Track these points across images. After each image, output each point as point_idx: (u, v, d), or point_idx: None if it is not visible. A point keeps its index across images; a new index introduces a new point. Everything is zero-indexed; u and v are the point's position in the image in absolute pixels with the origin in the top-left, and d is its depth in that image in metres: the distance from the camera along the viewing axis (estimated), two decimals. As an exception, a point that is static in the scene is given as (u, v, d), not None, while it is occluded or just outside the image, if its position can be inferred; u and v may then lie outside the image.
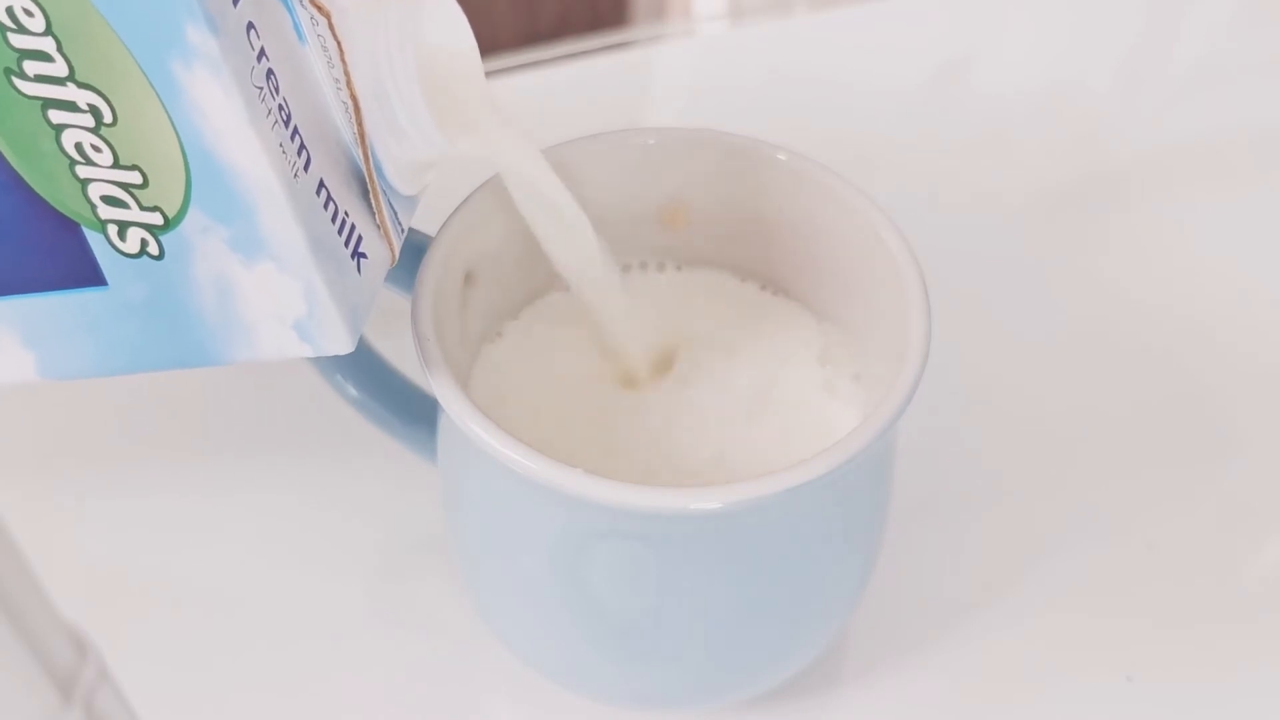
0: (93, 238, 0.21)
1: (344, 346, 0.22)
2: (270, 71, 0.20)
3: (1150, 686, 0.30)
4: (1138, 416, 0.35)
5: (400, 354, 0.29)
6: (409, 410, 0.29)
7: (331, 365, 0.29)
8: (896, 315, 0.25)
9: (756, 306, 0.29)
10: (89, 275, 0.21)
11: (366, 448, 0.31)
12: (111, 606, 0.31)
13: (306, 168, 0.21)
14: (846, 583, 0.27)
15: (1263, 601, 0.31)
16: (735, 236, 0.29)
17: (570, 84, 0.46)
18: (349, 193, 0.22)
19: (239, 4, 0.19)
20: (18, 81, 0.19)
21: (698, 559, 0.24)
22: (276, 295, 0.21)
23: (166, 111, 0.19)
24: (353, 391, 0.29)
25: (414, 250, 0.25)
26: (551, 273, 0.27)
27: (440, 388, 0.23)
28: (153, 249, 0.21)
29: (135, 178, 0.20)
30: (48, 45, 0.18)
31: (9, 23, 0.18)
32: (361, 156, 0.22)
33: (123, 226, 0.20)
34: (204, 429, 0.35)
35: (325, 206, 0.21)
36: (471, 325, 0.27)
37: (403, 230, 0.24)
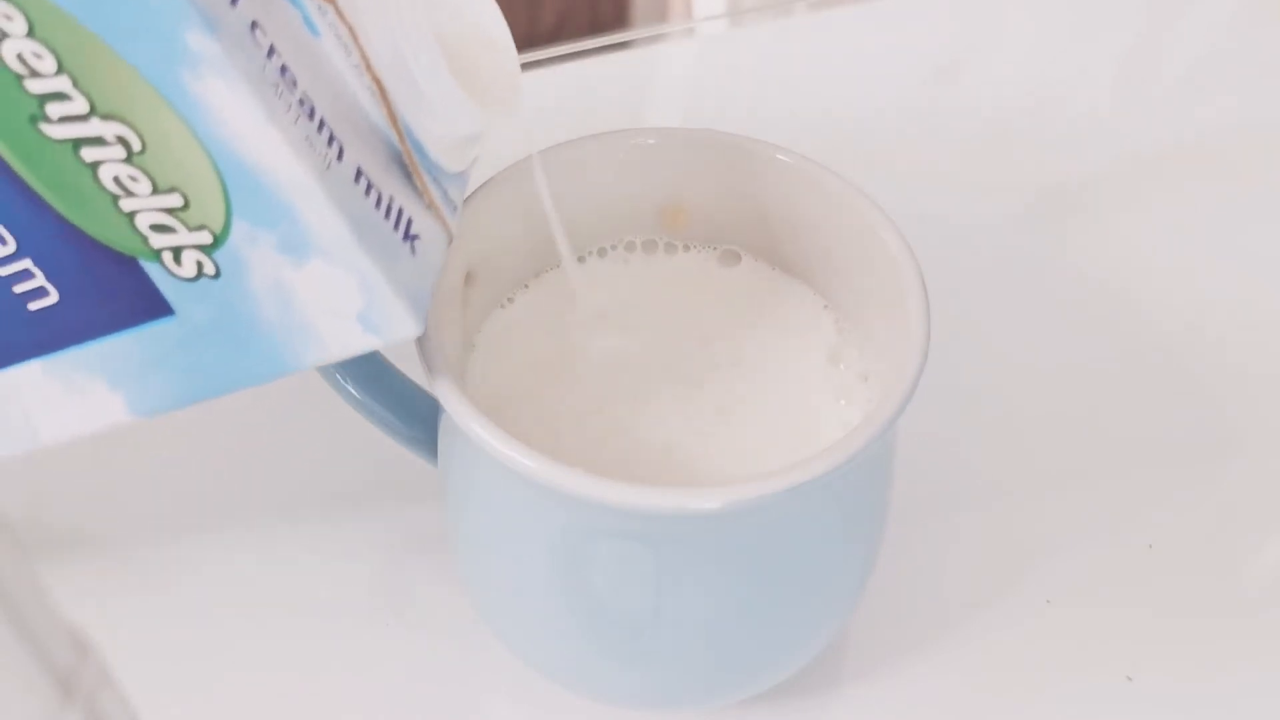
0: (150, 269, 0.21)
1: (411, 330, 0.22)
2: (284, 68, 0.19)
3: (1150, 686, 0.30)
4: (1138, 416, 0.35)
5: (400, 354, 0.29)
6: (409, 410, 0.29)
7: (332, 365, 0.29)
8: (897, 315, 0.25)
9: (770, 295, 0.29)
10: (155, 307, 0.21)
11: (366, 448, 0.31)
12: (113, 607, 0.31)
13: (340, 157, 0.20)
14: (846, 583, 0.27)
15: (1263, 601, 0.32)
16: (736, 236, 0.29)
17: (570, 84, 0.46)
18: (390, 177, 0.22)
19: (238, 4, 0.19)
20: (45, 127, 0.19)
21: (697, 559, 0.24)
22: (333, 291, 0.21)
23: (188, 126, 0.19)
24: (353, 392, 0.29)
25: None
26: (555, 253, 0.26)
27: (440, 388, 0.23)
28: (209, 269, 0.21)
29: (176, 200, 0.20)
30: (64, 85, 0.18)
31: (22, 69, 0.18)
32: (397, 138, 0.22)
33: (176, 252, 0.20)
34: (204, 429, 0.35)
35: (366, 194, 0.21)
36: (472, 322, 0.27)
37: (455, 208, 0.24)
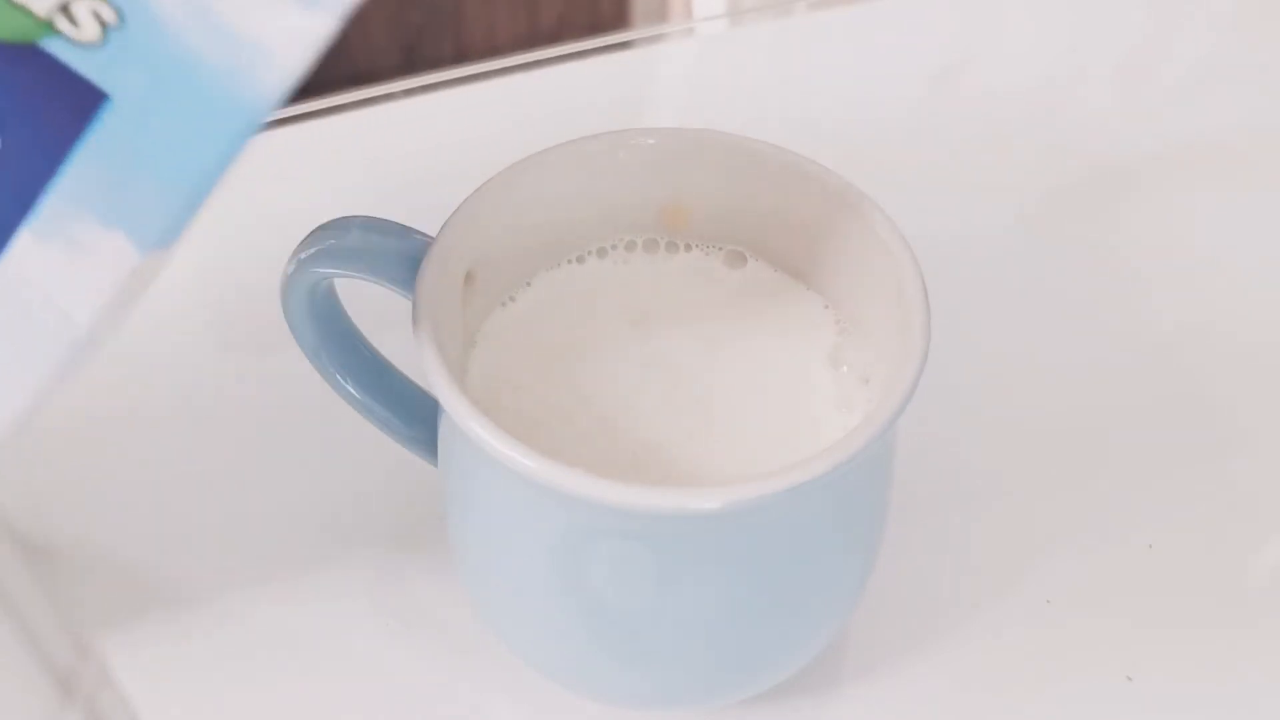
0: (55, 47, 0.19)
1: None
2: None
3: (1150, 686, 0.30)
4: (1138, 416, 0.35)
5: (400, 354, 0.29)
6: (409, 410, 0.29)
7: (332, 366, 0.29)
8: (897, 315, 0.25)
9: (771, 295, 0.29)
10: (87, 98, 0.20)
11: (366, 448, 0.31)
12: (113, 607, 0.31)
13: None
14: (846, 583, 0.27)
15: (1263, 601, 0.32)
16: (737, 236, 0.29)
17: (570, 84, 0.46)
18: None
19: None
20: None
21: (697, 558, 0.24)
22: None
23: None
24: (353, 392, 0.29)
25: (414, 250, 0.25)
26: (555, 253, 0.26)
27: (440, 388, 0.23)
28: (108, 15, 0.19)
29: None
30: None
31: None
32: None
33: (66, 11, 0.19)
34: (203, 429, 0.35)
35: None
36: (473, 321, 0.27)
37: None
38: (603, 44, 0.47)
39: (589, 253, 0.29)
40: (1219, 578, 0.32)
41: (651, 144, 0.28)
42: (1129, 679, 0.30)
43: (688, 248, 0.29)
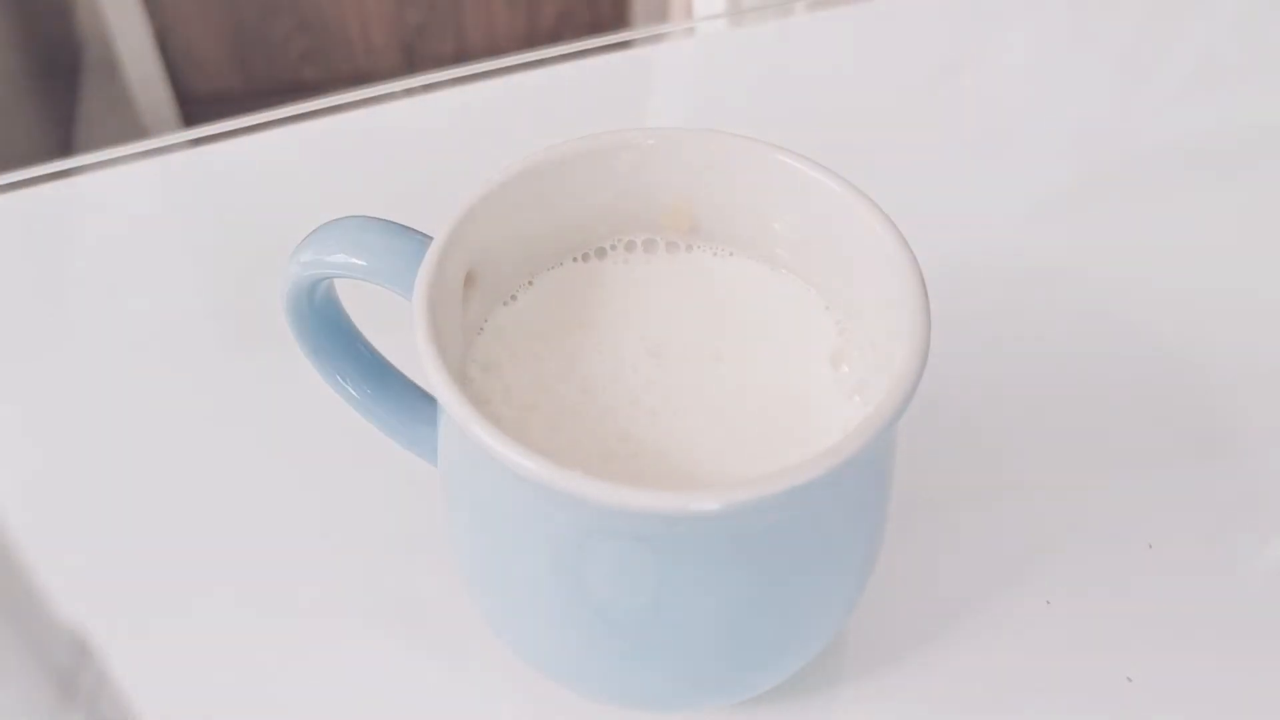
0: None
1: None
2: None
3: (1150, 686, 0.30)
4: (1138, 416, 0.35)
5: (400, 354, 0.29)
6: (409, 410, 0.29)
7: (332, 366, 0.29)
8: (897, 315, 0.25)
9: (771, 296, 0.29)
10: None
11: (366, 448, 0.31)
12: (111, 607, 0.31)
13: None
14: (846, 582, 0.27)
15: (1263, 601, 0.32)
16: (737, 236, 0.29)
17: (570, 84, 0.46)
18: None
19: None
20: None
21: (697, 559, 0.24)
22: None
23: None
24: (353, 392, 0.29)
25: (414, 250, 0.25)
26: (556, 253, 0.26)
27: (440, 388, 0.23)
28: None
29: None
30: None
31: None
32: None
33: None
34: (204, 430, 0.35)
35: None
36: (473, 322, 0.27)
37: None
38: (603, 44, 0.47)
39: (589, 252, 0.29)
40: (1219, 578, 0.32)
41: (652, 144, 0.28)
42: (1129, 679, 0.30)
43: (688, 247, 0.29)
